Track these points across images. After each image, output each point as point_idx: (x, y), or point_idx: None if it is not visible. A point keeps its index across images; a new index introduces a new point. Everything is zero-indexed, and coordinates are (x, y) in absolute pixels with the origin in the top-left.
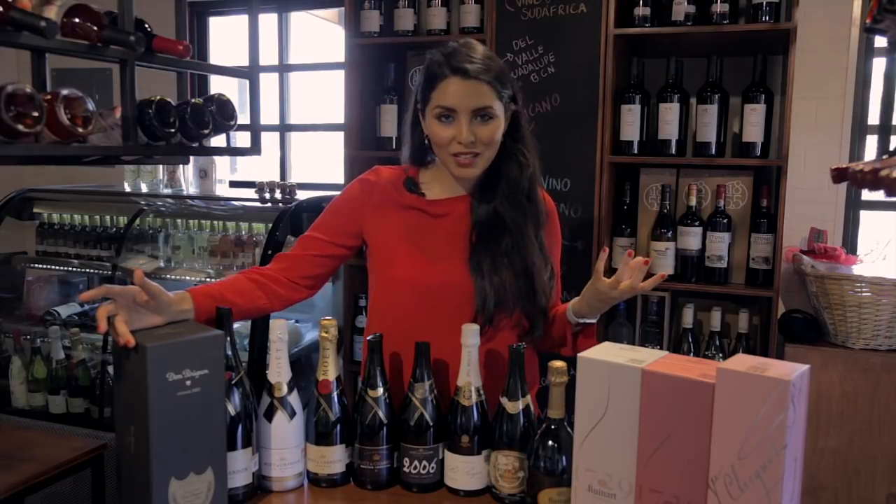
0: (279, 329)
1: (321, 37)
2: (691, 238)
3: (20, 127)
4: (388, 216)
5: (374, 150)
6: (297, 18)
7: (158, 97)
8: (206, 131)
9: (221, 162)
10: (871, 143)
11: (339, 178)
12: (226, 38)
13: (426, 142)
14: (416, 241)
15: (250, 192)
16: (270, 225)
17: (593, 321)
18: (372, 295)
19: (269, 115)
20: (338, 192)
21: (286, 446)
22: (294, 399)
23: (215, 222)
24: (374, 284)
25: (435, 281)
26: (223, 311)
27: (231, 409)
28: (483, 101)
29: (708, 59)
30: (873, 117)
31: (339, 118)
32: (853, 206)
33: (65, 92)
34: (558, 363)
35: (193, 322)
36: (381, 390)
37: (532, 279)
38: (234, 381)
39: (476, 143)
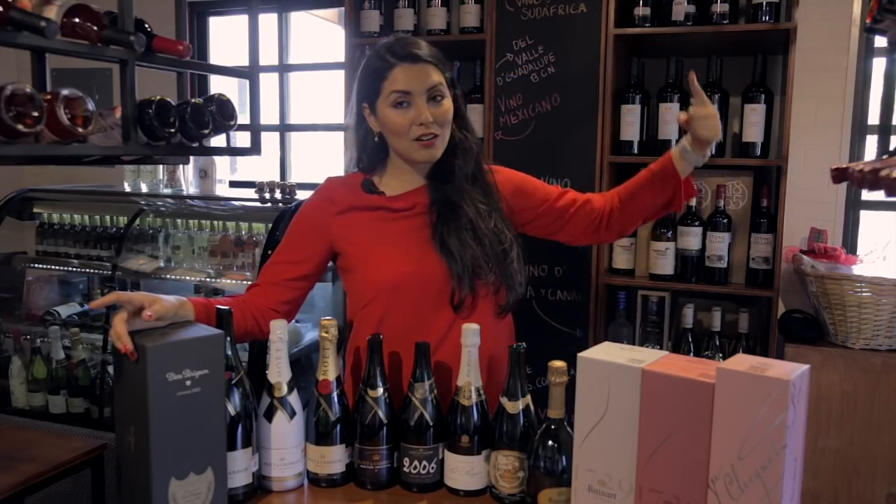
0: (279, 329)
1: (321, 37)
2: (691, 238)
3: (20, 127)
4: (354, 220)
5: None
6: (297, 18)
7: (158, 97)
8: (206, 131)
9: (221, 162)
10: (871, 143)
11: None
12: (226, 38)
13: (375, 139)
14: (386, 239)
15: (250, 192)
16: (270, 225)
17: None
18: (351, 301)
19: (269, 115)
20: None
21: (286, 446)
22: (294, 399)
23: (215, 222)
24: (352, 290)
25: (412, 273)
26: (223, 311)
27: (231, 409)
28: (433, 80)
29: (708, 59)
30: (873, 117)
31: (339, 118)
32: (853, 206)
33: (65, 92)
34: (558, 363)
35: (193, 322)
36: (381, 390)
37: (496, 244)
38: (234, 381)
39: (433, 123)
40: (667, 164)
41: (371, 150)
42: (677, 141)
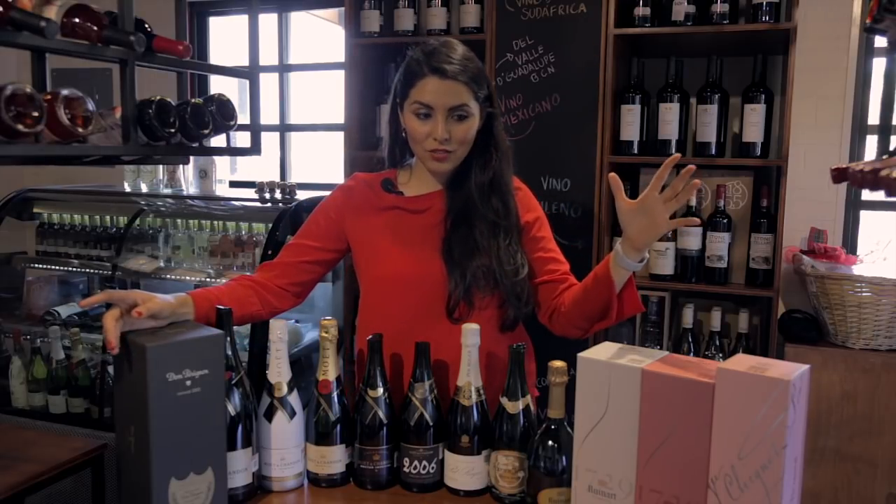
0: (279, 329)
1: (321, 37)
2: (691, 238)
3: (20, 127)
4: (367, 219)
5: (374, 150)
6: (297, 18)
7: (158, 97)
8: (206, 131)
9: (221, 162)
10: (871, 143)
11: (339, 178)
12: (226, 38)
13: (403, 134)
14: (397, 238)
15: (250, 192)
16: (270, 225)
17: (638, 265)
18: (361, 297)
19: (269, 115)
20: None
21: (286, 446)
22: (294, 399)
23: (215, 222)
24: (362, 286)
25: (418, 275)
26: (223, 311)
27: (231, 409)
28: (459, 100)
29: (708, 59)
30: (873, 117)
31: (339, 118)
32: (853, 206)
33: (65, 92)
34: (558, 363)
35: (193, 322)
36: (381, 390)
37: (506, 262)
38: (234, 381)
39: (451, 140)
40: (602, 269)
41: (402, 144)
42: (677, 141)
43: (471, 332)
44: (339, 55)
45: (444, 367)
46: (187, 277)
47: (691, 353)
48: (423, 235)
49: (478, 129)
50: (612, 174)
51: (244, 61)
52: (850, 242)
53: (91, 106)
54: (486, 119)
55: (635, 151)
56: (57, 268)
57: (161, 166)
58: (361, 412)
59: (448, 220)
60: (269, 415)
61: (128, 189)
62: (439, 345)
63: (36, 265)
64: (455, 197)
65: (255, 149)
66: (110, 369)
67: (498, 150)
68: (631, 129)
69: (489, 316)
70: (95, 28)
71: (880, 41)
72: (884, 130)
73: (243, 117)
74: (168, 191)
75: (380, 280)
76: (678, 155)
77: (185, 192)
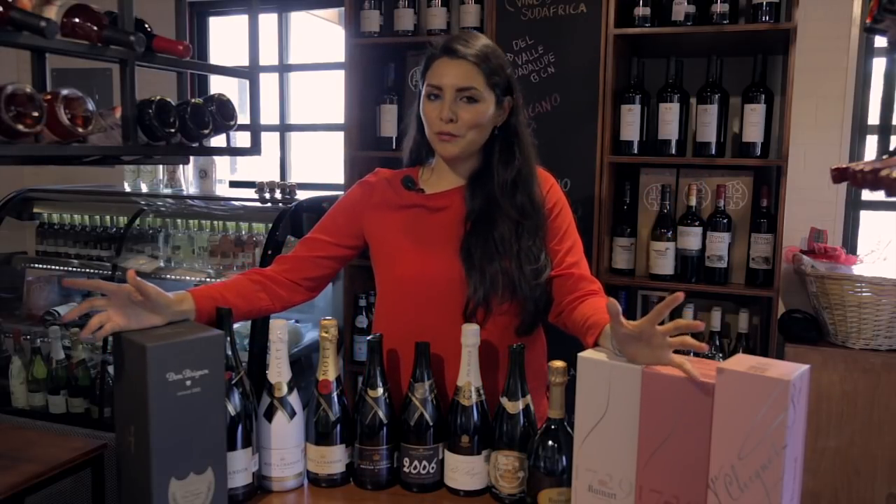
0: (279, 329)
1: (321, 37)
2: (691, 238)
3: (20, 127)
4: (386, 217)
5: (374, 150)
6: (297, 18)
7: (158, 97)
8: (206, 131)
9: (221, 162)
10: (871, 143)
11: (339, 178)
12: (226, 38)
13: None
14: (416, 238)
15: (250, 192)
16: (270, 225)
17: None
18: (378, 295)
19: (269, 115)
20: (338, 192)
21: (286, 446)
22: (294, 399)
23: (215, 222)
24: (378, 285)
25: (436, 277)
26: (223, 311)
27: (231, 409)
28: (467, 82)
29: (708, 59)
30: (873, 117)
31: (339, 118)
32: (853, 206)
33: (65, 92)
34: (558, 363)
35: (193, 322)
36: (381, 390)
37: (526, 263)
38: (234, 381)
39: (457, 122)
40: (590, 334)
41: (417, 140)
42: (677, 141)
43: (470, 333)
44: (339, 55)
45: (446, 365)
46: (187, 277)
47: (691, 353)
48: (442, 236)
49: (498, 126)
50: (612, 300)
51: (244, 61)
52: (850, 242)
53: (91, 106)
54: (508, 113)
55: (635, 151)
56: (57, 268)
57: (161, 166)
58: (361, 412)
59: (468, 219)
60: (269, 415)
61: (128, 189)
62: (454, 348)
63: (36, 265)
64: (476, 194)
65: (255, 149)
66: (110, 369)
67: (521, 146)
68: (631, 129)
69: (506, 320)
70: (95, 28)
71: (880, 41)
72: (884, 130)
73: (243, 117)
74: (168, 191)
75: (397, 281)
76: (681, 295)
77: (185, 192)
